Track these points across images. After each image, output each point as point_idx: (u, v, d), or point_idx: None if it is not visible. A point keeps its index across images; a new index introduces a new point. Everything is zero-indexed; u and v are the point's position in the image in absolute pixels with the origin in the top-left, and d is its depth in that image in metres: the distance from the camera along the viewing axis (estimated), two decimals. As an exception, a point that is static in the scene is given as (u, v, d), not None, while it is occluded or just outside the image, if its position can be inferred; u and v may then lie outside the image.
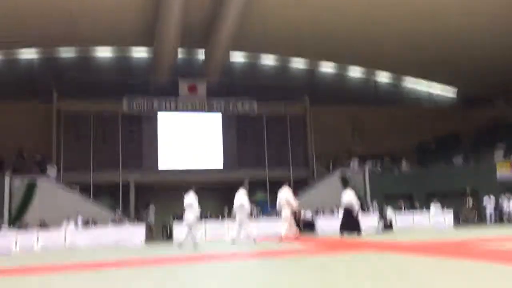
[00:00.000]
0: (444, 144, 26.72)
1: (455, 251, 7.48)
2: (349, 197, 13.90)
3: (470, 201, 21.60)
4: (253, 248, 10.52)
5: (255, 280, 5.15)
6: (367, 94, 29.50)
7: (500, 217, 20.85)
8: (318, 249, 9.43)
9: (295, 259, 7.57)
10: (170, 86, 24.62)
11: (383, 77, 30.57)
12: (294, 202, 13.07)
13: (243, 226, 12.40)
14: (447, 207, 21.13)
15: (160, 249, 12.93)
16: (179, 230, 18.05)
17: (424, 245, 9.21)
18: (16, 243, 15.93)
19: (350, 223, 13.46)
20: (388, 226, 18.15)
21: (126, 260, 8.93)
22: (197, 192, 12.17)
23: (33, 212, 18.79)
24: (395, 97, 30.24)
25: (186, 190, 12.43)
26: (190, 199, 12.00)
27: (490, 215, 20.88)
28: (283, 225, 13.00)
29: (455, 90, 31.67)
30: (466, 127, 27.35)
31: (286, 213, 12.89)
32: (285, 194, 13.06)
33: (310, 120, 26.31)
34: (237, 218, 12.53)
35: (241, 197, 12.70)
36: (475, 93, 28.99)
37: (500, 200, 20.87)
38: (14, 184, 19.31)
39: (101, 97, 23.21)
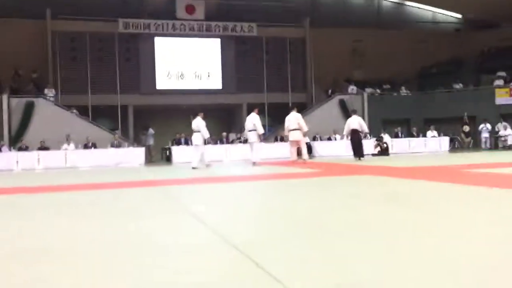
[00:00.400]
0: (445, 70, 26.47)
1: (434, 175, 7.67)
2: (358, 121, 13.97)
3: (466, 127, 21.76)
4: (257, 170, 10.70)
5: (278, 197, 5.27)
6: (370, 17, 28.73)
7: (495, 143, 21.12)
8: (330, 172, 9.59)
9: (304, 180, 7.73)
10: (167, 8, 23.85)
11: (386, 0, 29.64)
12: (305, 126, 13.11)
13: (253, 148, 12.57)
14: (444, 133, 21.34)
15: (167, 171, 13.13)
16: (177, 152, 18.38)
17: (410, 169, 9.41)
18: (17, 162, 16.19)
19: (357, 148, 13.78)
20: (384, 151, 18.39)
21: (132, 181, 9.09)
22: (214, 116, 12.30)
23: (32, 132, 18.86)
24: (398, 21, 29.47)
25: (193, 114, 12.58)
26: (197, 123, 12.29)
27: (485, 141, 21.15)
28: (292, 148, 13.22)
29: (460, 15, 30.84)
30: (470, 52, 26.93)
31: (297, 136, 12.93)
32: (295, 117, 13.02)
33: (310, 44, 25.81)
34: (250, 140, 12.64)
35: (253, 120, 12.72)
36: (481, 17, 28.25)
37: (496, 127, 21.06)
38: (12, 104, 19.22)
39: (96, 17, 22.59)
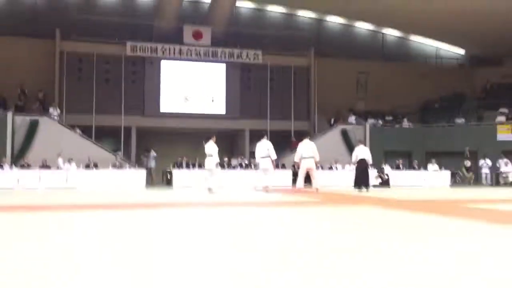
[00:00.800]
0: (448, 104, 26.65)
1: (438, 208, 7.68)
2: (366, 152, 14.23)
3: (468, 162, 21.79)
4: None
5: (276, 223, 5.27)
6: (374, 49, 29.14)
7: (496, 179, 21.11)
8: (329, 201, 9.58)
9: (308, 208, 7.73)
10: (174, 33, 24.19)
11: (391, 33, 30.05)
12: (318, 155, 13.38)
13: (268, 174, 12.77)
14: (446, 167, 21.36)
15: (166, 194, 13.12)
16: (178, 176, 18.39)
17: (413, 202, 9.40)
18: (18, 180, 16.21)
19: (364, 178, 13.82)
20: (385, 182, 18.40)
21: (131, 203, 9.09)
22: (217, 141, 12.88)
23: (35, 151, 18.94)
24: (402, 54, 29.87)
25: (205, 138, 13.25)
26: (210, 148, 12.78)
27: (486, 177, 21.16)
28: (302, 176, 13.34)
29: (463, 50, 31.23)
30: (472, 88, 27.18)
31: (311, 164, 13.15)
32: (309, 145, 13.22)
33: (315, 73, 26.07)
34: (261, 166, 12.85)
35: (267, 145, 13.04)
36: (484, 54, 28.59)
37: (497, 164, 21.09)
38: (16, 122, 19.35)
39: (105, 39, 22.96)
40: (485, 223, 5.57)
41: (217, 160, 12.75)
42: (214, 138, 12.90)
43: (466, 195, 11.90)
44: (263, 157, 13.10)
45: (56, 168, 17.66)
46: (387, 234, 4.65)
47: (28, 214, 6.78)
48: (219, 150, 13.33)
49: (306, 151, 13.22)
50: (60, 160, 17.89)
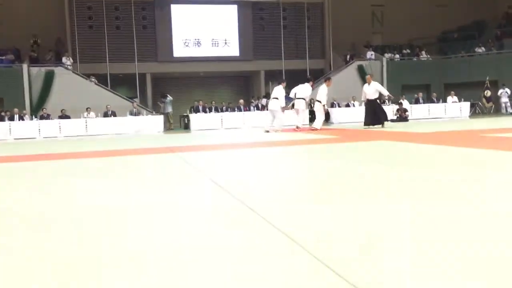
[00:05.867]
0: (467, 34, 25.82)
1: (453, 140, 7.62)
2: (373, 88, 13.04)
3: (488, 92, 21.37)
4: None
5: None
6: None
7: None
8: (348, 138, 9.58)
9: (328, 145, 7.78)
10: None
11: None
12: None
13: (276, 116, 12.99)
14: (465, 98, 20.99)
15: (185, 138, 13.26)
16: (195, 120, 18.49)
17: (429, 135, 9.31)
18: (39, 130, 16.51)
19: (374, 116, 12.98)
20: (403, 117, 18.21)
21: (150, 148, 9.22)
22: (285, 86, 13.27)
23: (53, 101, 19.14)
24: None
25: (276, 81, 13.79)
26: (277, 91, 13.01)
27: (505, 106, 20.80)
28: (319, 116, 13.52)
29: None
30: (492, 15, 26.14)
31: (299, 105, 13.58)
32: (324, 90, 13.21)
33: (329, 9, 25.33)
34: (272, 108, 13.02)
35: (304, 89, 13.40)
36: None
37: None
38: (32, 73, 19.44)
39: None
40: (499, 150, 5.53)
41: (283, 104, 13.02)
42: (284, 84, 13.25)
43: (482, 125, 11.74)
44: (298, 98, 13.50)
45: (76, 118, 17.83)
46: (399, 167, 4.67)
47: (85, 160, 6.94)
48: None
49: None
50: (92, 114, 17.98)
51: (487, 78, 21.07)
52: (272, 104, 12.99)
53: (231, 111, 19.67)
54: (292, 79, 24.37)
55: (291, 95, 13.67)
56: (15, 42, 20.80)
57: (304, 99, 13.49)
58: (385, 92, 13.20)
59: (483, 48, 23.86)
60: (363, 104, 14.78)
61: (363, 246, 1.79)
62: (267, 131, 12.60)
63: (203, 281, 1.51)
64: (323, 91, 13.15)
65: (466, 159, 4.67)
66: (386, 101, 18.35)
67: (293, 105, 13.95)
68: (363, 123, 13.26)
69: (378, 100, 13.24)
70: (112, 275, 1.61)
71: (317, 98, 13.40)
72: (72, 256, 1.84)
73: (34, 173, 5.16)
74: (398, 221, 2.17)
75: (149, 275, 1.58)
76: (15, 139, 15.76)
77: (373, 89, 12.87)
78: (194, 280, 1.52)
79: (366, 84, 13.12)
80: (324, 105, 13.47)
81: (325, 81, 13.71)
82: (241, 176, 4.16)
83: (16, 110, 17.34)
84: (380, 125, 12.88)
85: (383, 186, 3.19)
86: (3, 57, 20.32)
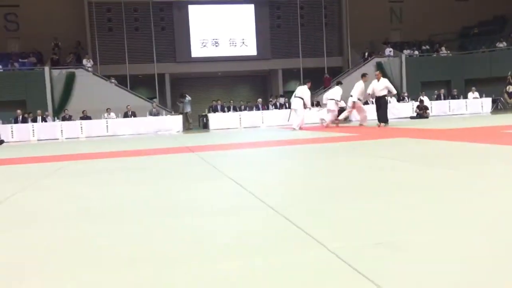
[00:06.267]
0: (488, 29, 25.40)
1: (473, 136, 7.53)
2: (381, 85, 12.68)
3: (510, 87, 21.00)
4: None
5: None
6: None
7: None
8: (368, 136, 9.54)
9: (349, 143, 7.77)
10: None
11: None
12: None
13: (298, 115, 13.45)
14: (487, 94, 20.67)
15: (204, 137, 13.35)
16: (214, 120, 18.60)
17: (448, 131, 9.21)
18: (61, 132, 16.81)
19: (381, 114, 12.70)
20: (423, 114, 18.02)
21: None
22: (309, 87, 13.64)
23: (74, 102, 19.45)
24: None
25: (300, 82, 13.73)
26: (301, 91, 13.32)
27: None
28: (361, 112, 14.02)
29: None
30: (513, 10, 25.69)
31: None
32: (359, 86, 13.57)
33: (346, 6, 25.19)
34: (294, 107, 13.49)
35: (335, 91, 14.35)
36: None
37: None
38: (54, 75, 19.78)
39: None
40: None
41: (308, 104, 13.47)
42: (309, 84, 13.65)
43: (504, 121, 11.56)
44: (329, 99, 14.13)
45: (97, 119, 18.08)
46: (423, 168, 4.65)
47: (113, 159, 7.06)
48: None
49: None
50: (112, 114, 18.22)
51: (509, 74, 20.71)
52: (295, 103, 13.28)
53: (249, 110, 19.73)
54: (310, 77, 24.55)
55: (324, 100, 14.68)
56: (37, 45, 21.22)
57: (333, 99, 14.04)
58: (394, 91, 13.30)
59: (504, 43, 23.47)
60: (368, 99, 15.18)
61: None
62: (294, 129, 12.91)
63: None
64: (358, 87, 13.48)
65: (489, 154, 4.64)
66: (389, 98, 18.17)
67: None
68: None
69: (385, 98, 13.02)
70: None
71: (351, 93, 13.69)
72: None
73: (105, 171, 5.28)
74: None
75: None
76: (38, 140, 16.08)
77: (382, 86, 12.72)
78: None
79: (375, 80, 12.91)
80: (338, 102, 13.95)
81: (362, 77, 13.68)
82: (257, 175, 4.20)
83: (39, 112, 17.67)
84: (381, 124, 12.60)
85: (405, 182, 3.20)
86: (25, 60, 20.74)
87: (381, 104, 12.78)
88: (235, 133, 14.02)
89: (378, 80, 12.86)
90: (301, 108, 13.18)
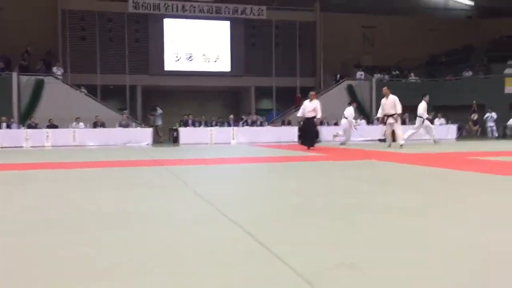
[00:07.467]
0: (455, 57, 26.25)
1: (437, 161, 7.71)
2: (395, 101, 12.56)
3: (475, 115, 21.65)
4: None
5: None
6: (381, 2, 28.45)
7: (503, 132, 21.00)
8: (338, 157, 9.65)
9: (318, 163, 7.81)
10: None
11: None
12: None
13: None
14: (452, 121, 21.23)
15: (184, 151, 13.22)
16: (184, 134, 18.46)
17: (415, 156, 9.41)
18: (26, 139, 16.38)
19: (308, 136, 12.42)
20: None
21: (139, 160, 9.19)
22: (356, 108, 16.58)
23: (41, 110, 19.02)
24: (409, 7, 29.16)
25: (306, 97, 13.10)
26: (347, 111, 15.89)
27: (491, 130, 21.05)
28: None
29: (472, 2, 30.47)
30: (480, 40, 26.67)
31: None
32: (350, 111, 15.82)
33: (320, 28, 25.66)
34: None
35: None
36: (493, 4, 27.92)
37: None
38: (22, 82, 19.34)
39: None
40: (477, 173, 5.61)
41: (352, 122, 15.85)
42: (355, 104, 16.43)
43: (464, 148, 11.88)
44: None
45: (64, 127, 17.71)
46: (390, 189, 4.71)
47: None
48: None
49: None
50: (81, 124, 17.88)
51: (474, 102, 21.38)
52: (343, 121, 15.92)
53: (220, 126, 19.71)
54: (282, 96, 24.80)
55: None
56: (6, 50, 20.74)
57: (346, 118, 15.74)
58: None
59: (470, 72, 24.26)
60: (379, 120, 15.29)
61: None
62: (343, 144, 14.94)
63: None
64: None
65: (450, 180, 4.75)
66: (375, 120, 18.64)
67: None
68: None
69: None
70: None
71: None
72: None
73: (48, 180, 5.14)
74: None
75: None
76: (1, 147, 15.61)
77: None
78: None
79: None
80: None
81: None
82: (222, 189, 4.18)
83: (3, 118, 17.20)
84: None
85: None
86: (-8, 65, 20.23)
87: (309, 125, 12.28)
88: (206, 149, 13.95)
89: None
90: (346, 126, 15.50)
